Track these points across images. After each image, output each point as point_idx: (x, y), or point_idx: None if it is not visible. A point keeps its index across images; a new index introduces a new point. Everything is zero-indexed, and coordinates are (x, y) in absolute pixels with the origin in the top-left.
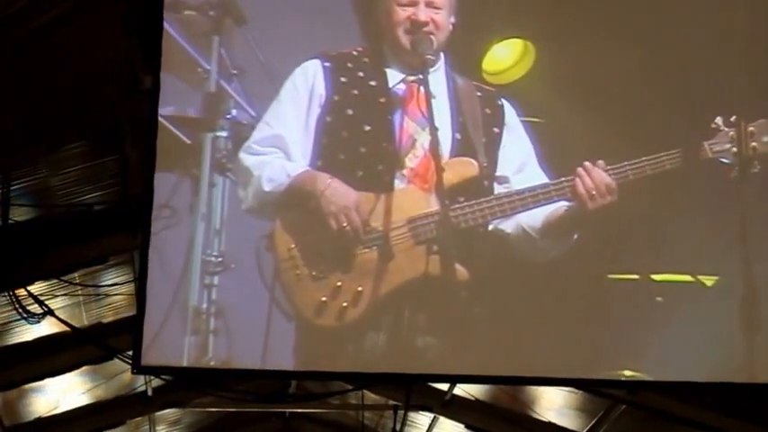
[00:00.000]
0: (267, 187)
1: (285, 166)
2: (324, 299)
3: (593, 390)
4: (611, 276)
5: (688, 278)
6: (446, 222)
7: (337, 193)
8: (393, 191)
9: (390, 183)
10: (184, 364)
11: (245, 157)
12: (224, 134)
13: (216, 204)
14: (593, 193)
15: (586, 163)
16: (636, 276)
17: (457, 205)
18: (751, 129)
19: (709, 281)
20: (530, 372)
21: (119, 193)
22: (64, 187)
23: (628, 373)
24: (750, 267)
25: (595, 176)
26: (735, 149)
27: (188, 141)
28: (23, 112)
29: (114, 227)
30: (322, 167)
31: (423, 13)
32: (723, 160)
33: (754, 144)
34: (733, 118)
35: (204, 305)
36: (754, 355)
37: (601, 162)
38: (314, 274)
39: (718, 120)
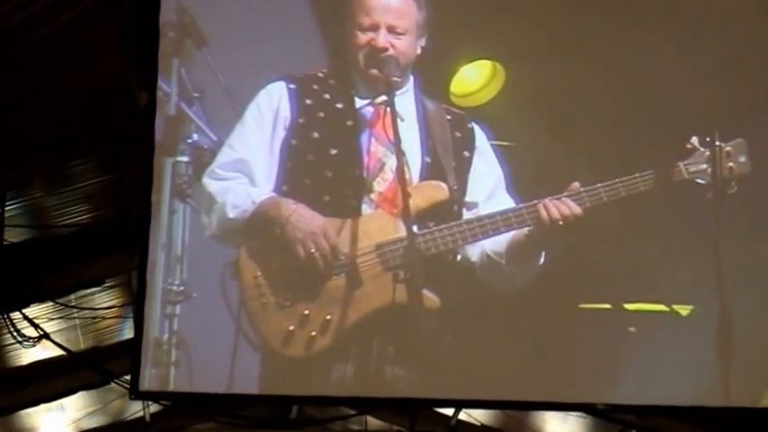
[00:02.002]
0: (232, 214)
1: (250, 192)
2: (291, 328)
3: (602, 415)
4: (582, 306)
5: (662, 308)
6: (415, 248)
7: (303, 218)
8: (361, 216)
9: (358, 207)
10: None
11: (209, 183)
12: (185, 159)
13: (176, 232)
14: (560, 224)
15: (553, 199)
16: (608, 306)
17: (426, 230)
18: (727, 149)
19: (683, 310)
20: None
21: (116, 213)
22: (60, 207)
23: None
24: (725, 295)
25: (561, 206)
26: (711, 170)
27: None
28: (18, 131)
29: (111, 248)
30: (287, 192)
31: (383, 39)
32: (699, 181)
33: (730, 164)
34: (709, 138)
35: (165, 336)
36: (730, 385)
37: (576, 184)
38: (281, 302)
39: (694, 140)
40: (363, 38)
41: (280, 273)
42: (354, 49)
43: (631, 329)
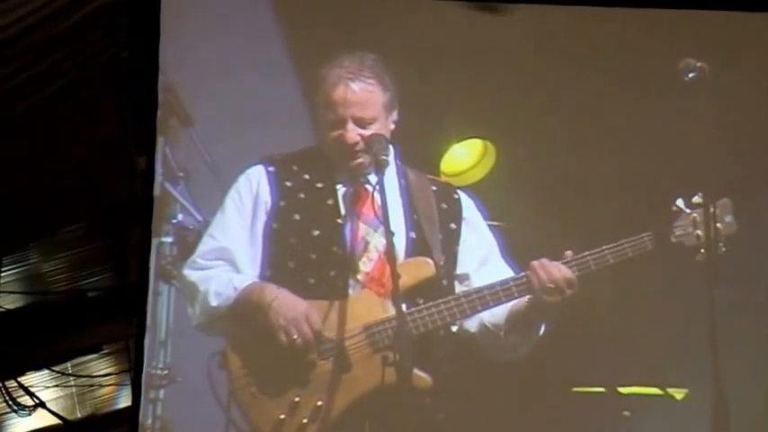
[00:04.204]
0: (214, 302)
1: (232, 279)
2: (282, 417)
3: None
4: (575, 390)
5: (657, 391)
6: (404, 327)
7: (285, 304)
8: (347, 297)
9: (344, 289)
10: None
11: (190, 273)
12: (169, 240)
13: (161, 314)
14: (550, 286)
15: (543, 260)
16: (602, 389)
17: (414, 309)
18: (712, 209)
19: (678, 394)
20: None
21: (114, 278)
22: (56, 273)
23: None
24: (720, 377)
25: (551, 270)
26: (698, 232)
27: None
28: (14, 195)
29: (109, 314)
30: (272, 277)
31: (351, 135)
32: (686, 244)
33: (717, 225)
34: (694, 199)
35: (149, 421)
36: None
37: (569, 252)
38: (270, 390)
39: (680, 202)
40: (332, 134)
41: (267, 360)
42: (327, 143)
43: (626, 413)
